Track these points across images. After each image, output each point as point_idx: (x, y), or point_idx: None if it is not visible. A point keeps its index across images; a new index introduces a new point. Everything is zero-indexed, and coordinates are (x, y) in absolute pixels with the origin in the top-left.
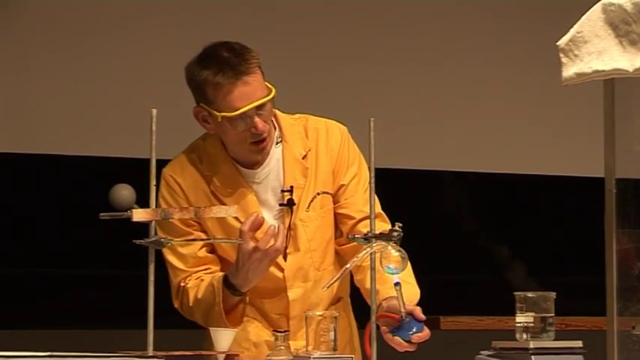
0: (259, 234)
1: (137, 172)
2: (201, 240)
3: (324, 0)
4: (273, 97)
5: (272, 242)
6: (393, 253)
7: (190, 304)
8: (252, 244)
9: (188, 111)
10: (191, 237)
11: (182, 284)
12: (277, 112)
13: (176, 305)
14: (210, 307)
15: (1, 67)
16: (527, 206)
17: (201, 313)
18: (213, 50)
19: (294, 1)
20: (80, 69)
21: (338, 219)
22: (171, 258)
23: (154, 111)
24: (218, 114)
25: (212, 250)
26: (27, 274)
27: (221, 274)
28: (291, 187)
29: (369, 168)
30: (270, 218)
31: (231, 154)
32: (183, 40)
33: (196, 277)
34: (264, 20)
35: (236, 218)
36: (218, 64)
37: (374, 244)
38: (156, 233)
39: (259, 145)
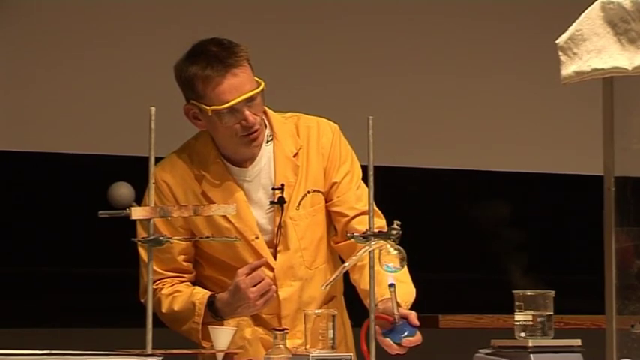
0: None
1: (136, 171)
2: (200, 238)
3: None
4: (262, 90)
5: (259, 300)
6: (392, 251)
7: (163, 311)
8: (252, 292)
9: None
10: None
11: (154, 286)
12: (268, 110)
13: (142, 299)
14: (185, 322)
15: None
16: (526, 204)
17: (172, 322)
18: (201, 46)
19: None
20: (79, 68)
21: (332, 217)
22: (145, 257)
23: (153, 109)
24: (208, 108)
25: (189, 259)
26: (24, 272)
27: (203, 293)
28: (282, 185)
29: (368, 166)
30: (261, 216)
31: (222, 152)
32: (183, 39)
33: (171, 285)
34: (263, 19)
35: (226, 219)
36: (207, 58)
37: (373, 243)
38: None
39: (250, 136)
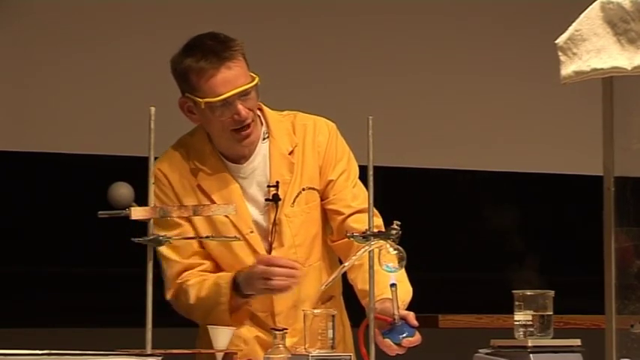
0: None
1: (135, 171)
2: (200, 238)
3: None
4: (256, 85)
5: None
6: (392, 251)
7: (191, 302)
8: (260, 268)
9: None
10: (181, 229)
11: (179, 280)
12: (265, 107)
13: (168, 296)
14: (214, 306)
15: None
16: (526, 204)
17: (202, 310)
18: (197, 40)
19: None
20: (79, 67)
21: (328, 215)
22: (164, 250)
23: (153, 109)
24: (201, 100)
25: (201, 244)
26: (25, 272)
27: (228, 274)
28: (277, 182)
29: (368, 166)
30: (256, 213)
31: (217, 148)
32: (182, 39)
33: (197, 275)
34: (262, 18)
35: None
36: (202, 51)
37: (372, 243)
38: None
39: (242, 132)
